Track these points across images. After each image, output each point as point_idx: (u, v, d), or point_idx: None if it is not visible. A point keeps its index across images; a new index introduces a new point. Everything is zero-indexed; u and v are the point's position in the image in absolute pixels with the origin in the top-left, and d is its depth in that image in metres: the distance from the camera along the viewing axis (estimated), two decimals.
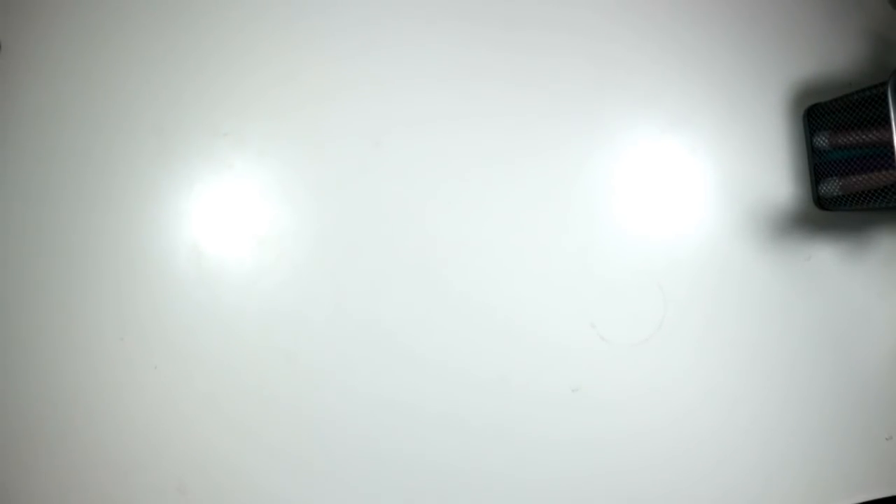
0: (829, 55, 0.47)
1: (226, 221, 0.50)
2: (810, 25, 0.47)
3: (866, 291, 0.47)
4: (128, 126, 0.51)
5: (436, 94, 0.49)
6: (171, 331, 0.47)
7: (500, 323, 0.48)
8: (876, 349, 0.47)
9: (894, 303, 0.47)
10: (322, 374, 0.47)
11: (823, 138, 0.46)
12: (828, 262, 0.47)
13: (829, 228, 0.48)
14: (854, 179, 0.44)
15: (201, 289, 0.49)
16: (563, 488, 0.48)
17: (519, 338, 0.48)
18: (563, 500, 0.48)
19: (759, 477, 0.48)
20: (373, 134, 0.49)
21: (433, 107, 0.49)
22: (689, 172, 0.49)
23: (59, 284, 0.52)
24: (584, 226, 0.49)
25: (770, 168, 0.48)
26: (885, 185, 0.41)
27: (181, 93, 0.51)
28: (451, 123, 0.49)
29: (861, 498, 0.49)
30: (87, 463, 0.51)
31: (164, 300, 0.48)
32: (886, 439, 0.47)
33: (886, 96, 0.40)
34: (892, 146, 0.40)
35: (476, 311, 0.48)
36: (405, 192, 0.49)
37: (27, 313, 0.52)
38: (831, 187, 0.46)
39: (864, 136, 0.43)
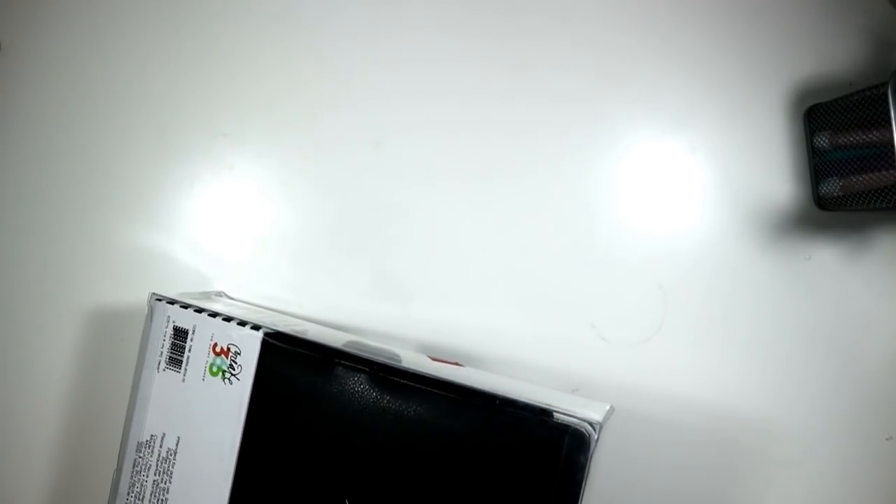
0: (829, 55, 0.47)
1: (226, 221, 0.50)
2: (810, 25, 0.47)
3: (866, 292, 0.47)
4: (128, 126, 0.51)
5: (435, 97, 0.49)
6: None
7: (500, 323, 0.48)
8: (876, 349, 0.47)
9: (894, 303, 0.47)
10: None
11: (824, 138, 0.46)
12: (828, 263, 0.47)
13: (829, 228, 0.48)
14: (854, 179, 0.44)
15: (201, 288, 0.49)
16: None
17: (519, 338, 0.48)
18: None
19: (759, 475, 0.48)
20: (373, 136, 0.49)
21: (432, 110, 0.49)
22: (689, 172, 0.49)
23: (59, 284, 0.52)
24: (583, 226, 0.49)
25: (770, 168, 0.48)
26: (885, 185, 0.41)
27: (183, 94, 0.51)
28: (451, 126, 0.49)
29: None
30: (87, 463, 0.51)
31: None
32: (886, 439, 0.47)
33: (887, 96, 0.40)
34: (893, 146, 0.40)
35: (476, 312, 0.48)
36: (404, 193, 0.49)
37: (28, 313, 0.52)
38: (831, 187, 0.46)
39: (864, 137, 0.43)
